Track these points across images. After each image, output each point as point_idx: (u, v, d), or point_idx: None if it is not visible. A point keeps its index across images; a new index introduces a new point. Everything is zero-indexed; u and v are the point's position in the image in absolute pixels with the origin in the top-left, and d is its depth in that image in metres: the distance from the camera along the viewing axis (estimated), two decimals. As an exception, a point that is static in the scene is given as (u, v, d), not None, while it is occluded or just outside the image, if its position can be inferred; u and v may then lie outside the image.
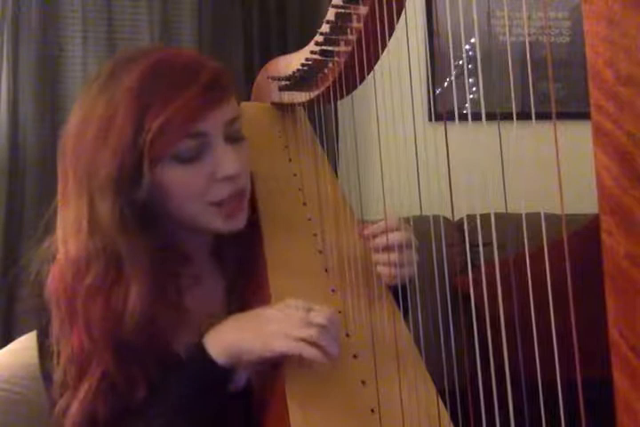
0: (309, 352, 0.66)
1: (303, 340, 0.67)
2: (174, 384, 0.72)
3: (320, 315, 0.68)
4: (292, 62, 0.95)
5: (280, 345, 0.67)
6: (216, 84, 0.74)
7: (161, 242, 0.76)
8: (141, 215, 0.73)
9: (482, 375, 0.59)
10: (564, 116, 1.85)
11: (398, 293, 0.85)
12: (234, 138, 0.78)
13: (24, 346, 1.23)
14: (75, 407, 0.71)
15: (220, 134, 0.76)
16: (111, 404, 0.72)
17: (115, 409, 0.72)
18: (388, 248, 0.82)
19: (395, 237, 0.82)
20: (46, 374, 0.77)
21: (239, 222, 0.80)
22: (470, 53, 1.76)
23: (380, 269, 0.84)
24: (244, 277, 0.86)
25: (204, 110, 0.73)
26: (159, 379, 0.73)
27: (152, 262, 0.74)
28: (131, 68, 0.72)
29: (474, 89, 1.80)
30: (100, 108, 0.72)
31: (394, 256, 0.82)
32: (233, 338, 0.70)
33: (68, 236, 0.74)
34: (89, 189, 0.72)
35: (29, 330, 1.30)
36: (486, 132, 0.58)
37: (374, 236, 0.84)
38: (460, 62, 1.79)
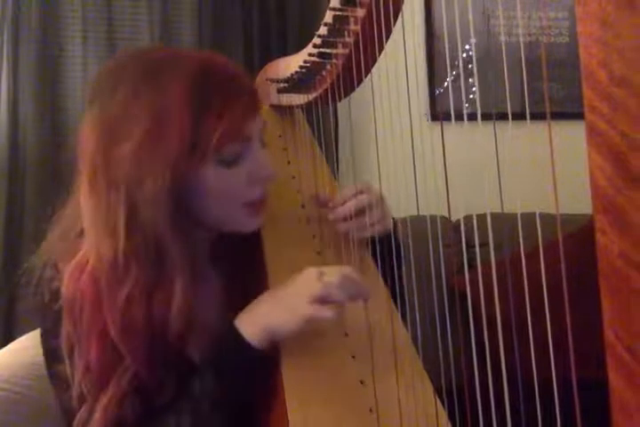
0: (328, 313, 0.69)
1: (323, 300, 0.69)
2: (209, 369, 0.72)
3: (332, 273, 0.71)
4: (291, 64, 0.95)
5: (303, 312, 0.69)
6: (255, 90, 0.78)
7: (194, 242, 0.77)
8: (186, 214, 0.74)
9: (479, 374, 0.59)
10: (560, 116, 1.85)
11: (383, 247, 0.88)
12: (262, 141, 0.80)
13: (24, 346, 1.23)
14: (98, 415, 0.71)
15: (258, 137, 0.78)
16: (139, 408, 0.72)
17: (143, 412, 0.72)
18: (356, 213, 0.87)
19: (363, 199, 0.87)
20: (54, 376, 0.76)
21: (260, 221, 0.83)
22: (470, 53, 1.76)
23: (356, 233, 0.87)
24: (243, 279, 0.87)
25: (252, 114, 0.75)
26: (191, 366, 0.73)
27: (192, 262, 0.75)
28: (175, 71, 0.72)
29: (473, 89, 1.80)
30: (143, 112, 0.70)
31: (365, 218, 0.86)
32: (263, 317, 0.72)
33: (101, 240, 0.73)
34: (129, 196, 0.71)
35: (30, 330, 1.30)
36: (483, 132, 0.58)
37: (344, 201, 0.88)
38: (459, 63, 1.79)
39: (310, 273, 0.72)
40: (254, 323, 0.72)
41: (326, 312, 0.69)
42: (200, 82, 0.71)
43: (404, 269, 0.90)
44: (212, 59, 0.77)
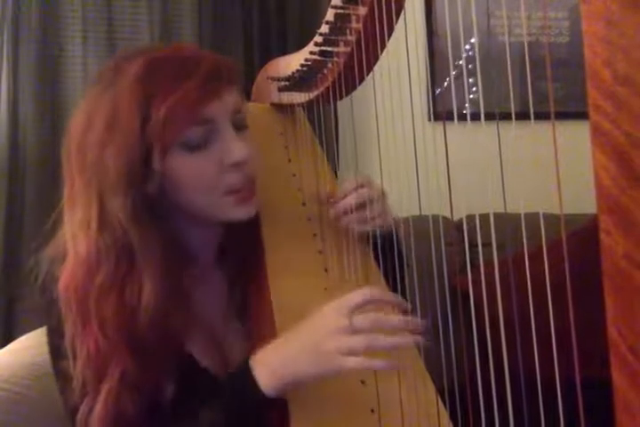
0: (364, 364, 0.63)
1: (356, 351, 0.63)
2: (217, 412, 0.69)
3: (362, 318, 0.64)
4: (292, 63, 0.95)
5: (336, 365, 0.63)
6: (217, 73, 0.75)
7: (170, 238, 0.76)
8: (153, 208, 0.74)
9: (481, 375, 0.59)
10: (562, 115, 1.85)
11: (385, 244, 0.87)
12: (239, 126, 0.78)
13: (24, 346, 1.23)
14: (99, 408, 0.71)
15: (227, 121, 0.76)
16: (139, 401, 0.72)
17: (144, 406, 0.72)
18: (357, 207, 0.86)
19: (364, 193, 0.86)
20: (60, 373, 0.77)
21: (252, 209, 0.80)
22: (470, 53, 1.76)
23: (356, 227, 0.87)
24: (245, 278, 0.87)
25: (207, 98, 0.73)
26: (197, 402, 0.70)
27: (163, 257, 0.74)
28: (130, 66, 0.73)
29: (474, 89, 1.80)
30: (103, 107, 0.72)
31: (366, 212, 0.85)
32: (285, 368, 0.66)
33: (76, 235, 0.74)
34: (98, 187, 0.72)
35: (30, 330, 1.30)
36: (485, 131, 0.58)
37: (345, 195, 0.87)
38: (460, 62, 1.79)
39: (335, 315, 0.65)
40: (272, 371, 0.67)
41: (357, 364, 0.63)
42: (149, 69, 0.72)
43: (405, 269, 0.90)
44: (169, 48, 0.77)
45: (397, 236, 0.92)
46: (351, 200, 0.86)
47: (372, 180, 0.89)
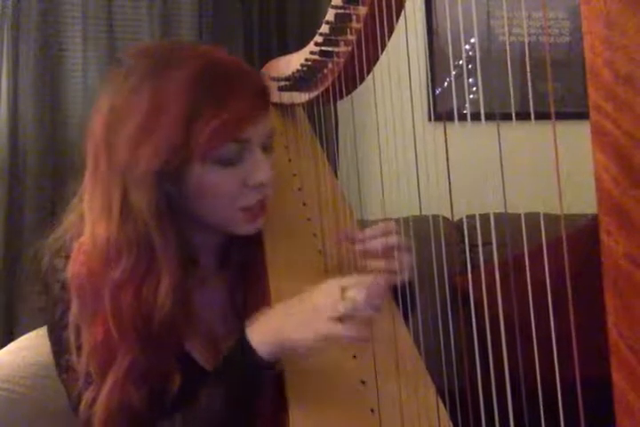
0: (351, 332, 0.65)
1: (340, 319, 0.65)
2: (217, 380, 0.71)
3: (354, 291, 0.66)
4: (292, 62, 0.96)
5: (326, 330, 0.66)
6: (264, 92, 0.77)
7: (183, 238, 0.77)
8: (171, 208, 0.74)
9: (481, 375, 0.59)
10: (563, 115, 1.85)
11: (397, 295, 0.84)
12: (266, 148, 0.79)
13: (24, 346, 1.23)
14: (103, 398, 0.71)
15: (259, 142, 0.77)
16: (144, 393, 0.72)
17: (149, 397, 0.72)
18: (383, 253, 0.82)
19: (391, 241, 0.82)
20: (64, 367, 0.77)
21: (258, 226, 0.82)
22: (470, 53, 1.76)
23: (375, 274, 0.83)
24: (245, 278, 0.87)
25: (255, 117, 0.75)
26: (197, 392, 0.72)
27: (180, 257, 0.74)
28: (181, 65, 0.73)
29: (474, 89, 1.80)
30: (145, 101, 0.71)
31: (389, 262, 0.81)
32: (277, 331, 0.69)
33: (96, 220, 0.74)
34: (124, 178, 0.72)
35: (30, 329, 1.30)
36: (485, 132, 0.58)
37: (369, 239, 0.84)
38: (460, 62, 1.79)
39: (331, 288, 0.68)
40: (267, 337, 0.69)
41: (349, 331, 0.65)
42: (199, 82, 0.72)
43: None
44: (218, 58, 0.77)
45: (411, 286, 0.87)
46: (380, 243, 0.82)
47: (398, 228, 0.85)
